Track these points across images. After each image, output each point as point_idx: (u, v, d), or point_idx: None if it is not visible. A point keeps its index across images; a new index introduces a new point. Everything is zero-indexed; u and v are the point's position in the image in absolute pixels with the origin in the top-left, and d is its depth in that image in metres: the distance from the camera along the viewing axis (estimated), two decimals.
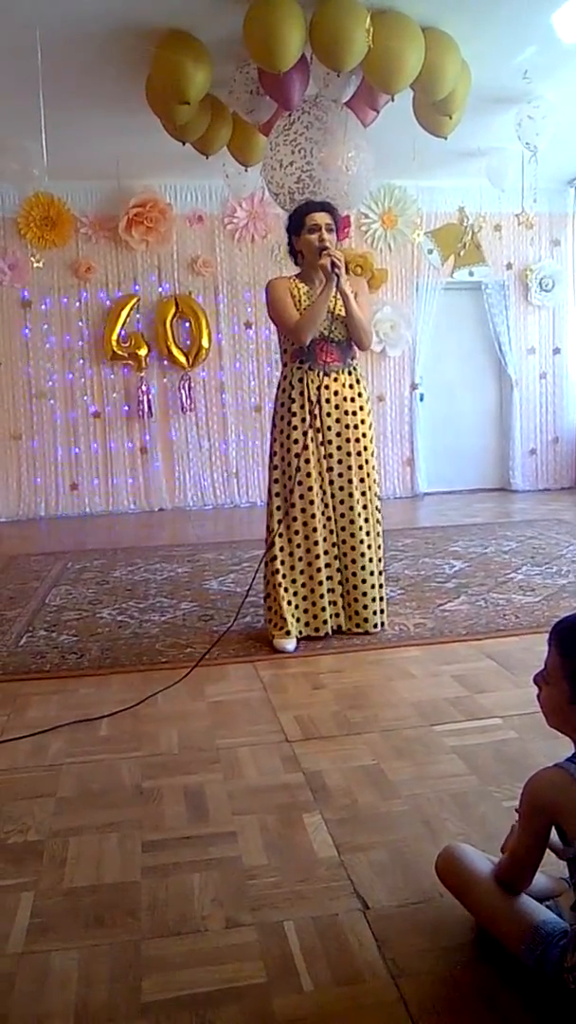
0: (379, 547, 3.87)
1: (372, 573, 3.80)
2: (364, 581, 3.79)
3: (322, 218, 3.66)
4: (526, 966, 1.55)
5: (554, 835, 1.62)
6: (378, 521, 3.86)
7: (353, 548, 3.77)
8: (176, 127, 5.04)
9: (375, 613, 3.81)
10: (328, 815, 2.22)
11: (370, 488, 3.81)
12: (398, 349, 8.53)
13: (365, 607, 3.80)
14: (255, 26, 4.22)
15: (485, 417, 9.06)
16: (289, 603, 3.71)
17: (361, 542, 3.77)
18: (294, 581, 3.73)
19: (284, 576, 3.72)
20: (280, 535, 3.73)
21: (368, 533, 3.80)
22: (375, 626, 3.81)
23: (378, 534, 3.86)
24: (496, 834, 1.86)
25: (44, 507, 8.16)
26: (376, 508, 3.85)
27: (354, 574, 3.79)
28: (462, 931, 1.73)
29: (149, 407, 8.16)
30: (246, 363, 8.25)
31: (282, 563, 3.72)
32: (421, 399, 8.72)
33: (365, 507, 3.79)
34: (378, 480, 3.90)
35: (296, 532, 3.73)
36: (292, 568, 3.73)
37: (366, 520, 3.79)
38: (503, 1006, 1.54)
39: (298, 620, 3.73)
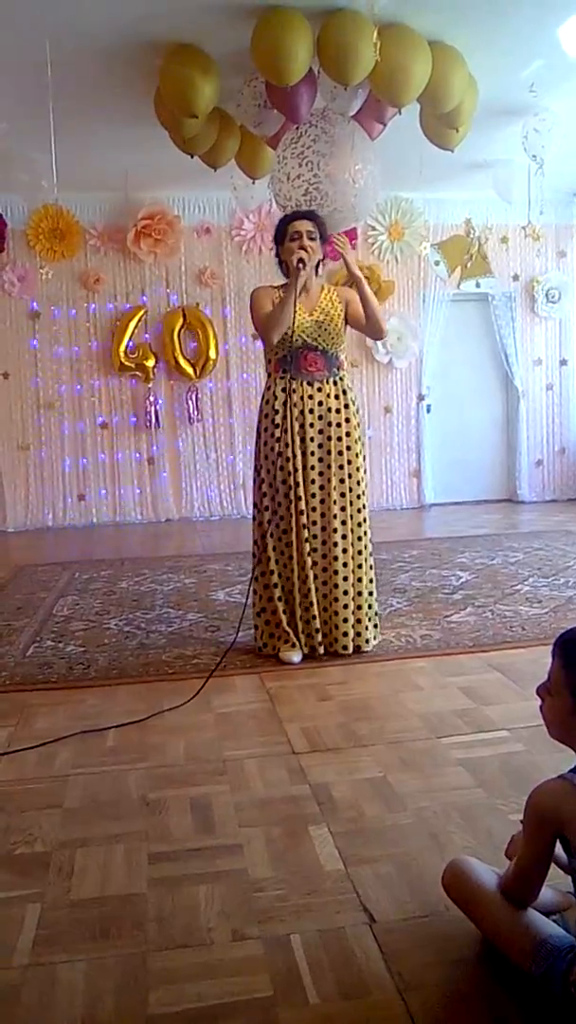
0: (360, 565, 3.71)
1: (347, 593, 3.65)
2: (337, 600, 3.64)
3: (303, 225, 3.65)
4: (533, 980, 1.55)
5: (558, 848, 1.61)
6: (358, 539, 3.70)
7: (327, 567, 3.65)
8: (184, 140, 5.08)
9: (346, 635, 3.65)
10: (334, 828, 2.21)
11: (352, 503, 3.69)
12: (405, 360, 8.55)
13: (337, 627, 3.65)
14: (263, 40, 4.25)
15: (492, 428, 9.06)
16: (285, 612, 3.69)
17: (336, 559, 3.64)
18: (288, 594, 3.69)
19: (279, 587, 3.68)
20: (274, 548, 3.68)
21: (346, 550, 3.66)
22: (345, 648, 3.65)
23: (359, 552, 3.71)
24: (503, 847, 1.86)
25: (52, 517, 8.18)
26: (358, 524, 3.70)
27: (326, 595, 3.67)
28: (469, 945, 1.72)
29: (156, 418, 8.19)
30: (253, 374, 8.26)
31: (279, 576, 3.68)
32: (428, 410, 8.72)
33: (344, 523, 3.66)
34: (365, 493, 3.76)
35: (287, 545, 3.66)
36: (287, 580, 3.67)
37: (344, 537, 3.66)
38: (510, 1020, 1.53)
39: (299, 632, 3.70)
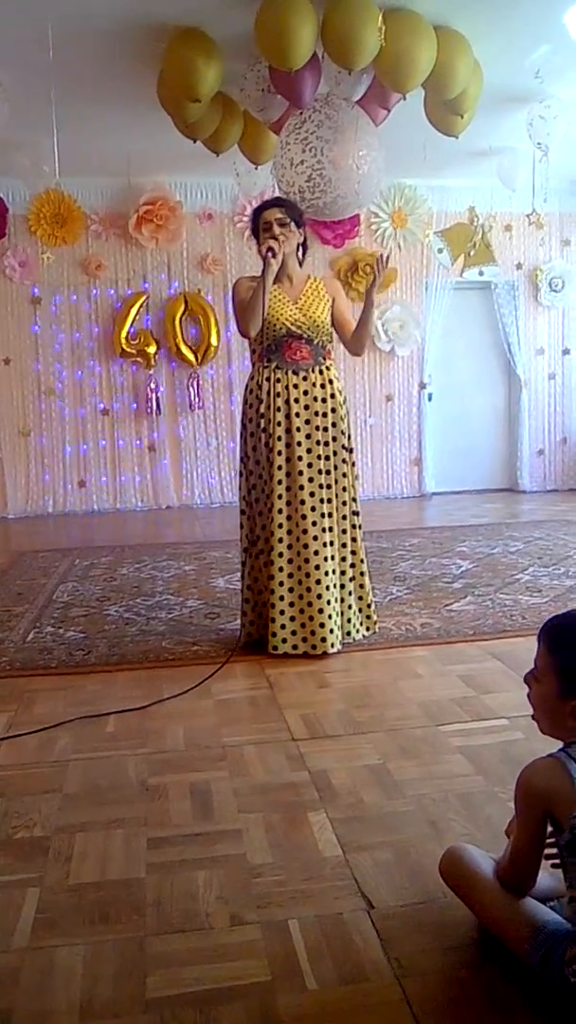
0: (344, 558, 3.62)
1: (329, 588, 3.52)
2: (320, 597, 3.50)
3: (271, 214, 3.58)
4: (530, 966, 1.55)
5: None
6: (343, 531, 3.62)
7: (307, 561, 3.50)
8: (187, 125, 5.05)
9: (332, 632, 3.52)
10: (333, 814, 2.22)
11: (337, 496, 3.60)
12: (407, 348, 8.53)
13: (322, 625, 3.50)
14: (267, 24, 4.22)
15: (493, 417, 9.05)
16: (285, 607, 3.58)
17: (316, 553, 3.50)
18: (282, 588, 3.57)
19: (278, 581, 3.56)
20: (265, 541, 3.58)
21: (330, 544, 3.54)
22: (332, 646, 3.52)
23: (344, 545, 3.62)
24: (502, 835, 1.86)
25: (52, 504, 8.19)
26: (343, 516, 3.61)
27: (308, 589, 3.51)
28: (466, 931, 1.73)
29: (157, 404, 8.18)
30: None
31: (279, 569, 3.55)
32: (429, 399, 8.71)
33: (330, 515, 3.56)
34: (354, 485, 3.67)
35: (265, 540, 3.58)
36: (285, 574, 3.55)
37: (328, 529, 3.54)
38: (507, 1006, 1.54)
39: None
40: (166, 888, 1.90)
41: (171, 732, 2.82)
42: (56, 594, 4.82)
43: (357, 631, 3.72)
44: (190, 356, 8.08)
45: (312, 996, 1.56)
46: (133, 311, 7.98)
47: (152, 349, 8.06)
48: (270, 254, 3.49)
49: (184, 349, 8.06)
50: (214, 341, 8.09)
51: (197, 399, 8.24)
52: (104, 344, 8.09)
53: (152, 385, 8.15)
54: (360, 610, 3.75)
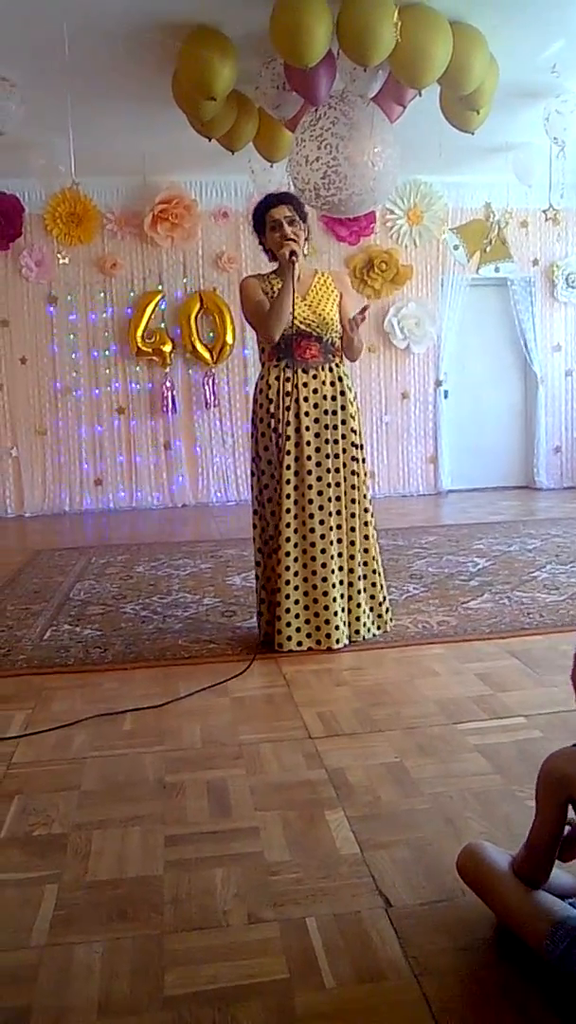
0: (352, 556, 3.61)
1: (335, 585, 3.54)
2: (326, 594, 3.52)
3: (280, 212, 3.55)
4: (549, 963, 1.54)
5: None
6: (352, 529, 3.60)
7: (313, 559, 3.51)
8: (202, 123, 5.05)
9: (338, 628, 3.55)
10: (350, 812, 2.22)
11: (347, 494, 3.57)
12: (423, 346, 8.51)
13: (328, 621, 3.54)
14: (282, 21, 4.21)
15: (510, 414, 9.01)
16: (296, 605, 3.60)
17: (323, 551, 3.51)
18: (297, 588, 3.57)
19: (289, 582, 3.56)
20: (288, 539, 3.55)
21: (337, 541, 3.55)
22: (338, 641, 3.55)
23: (352, 543, 3.60)
24: (520, 833, 1.84)
25: (69, 502, 8.22)
26: (351, 515, 3.59)
27: (315, 587, 3.53)
28: (484, 929, 1.72)
29: (173, 403, 8.19)
30: None
31: (287, 569, 3.56)
32: (446, 396, 8.68)
33: (338, 512, 3.56)
34: (365, 483, 3.65)
35: (274, 538, 3.58)
36: (293, 574, 3.56)
37: (336, 527, 3.55)
38: (526, 1004, 1.53)
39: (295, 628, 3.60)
40: (183, 886, 1.90)
41: (188, 730, 2.83)
42: (73, 592, 4.83)
43: (368, 630, 3.71)
44: (205, 354, 8.08)
45: (330, 994, 1.56)
46: (149, 310, 7.99)
47: (168, 347, 8.07)
48: (294, 258, 3.47)
49: (200, 347, 8.07)
50: (229, 339, 8.10)
51: (213, 397, 8.25)
52: (120, 343, 8.11)
53: (168, 383, 8.16)
54: (372, 609, 3.74)
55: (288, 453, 3.53)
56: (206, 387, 8.22)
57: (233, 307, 8.08)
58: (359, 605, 3.68)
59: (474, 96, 4.80)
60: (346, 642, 3.60)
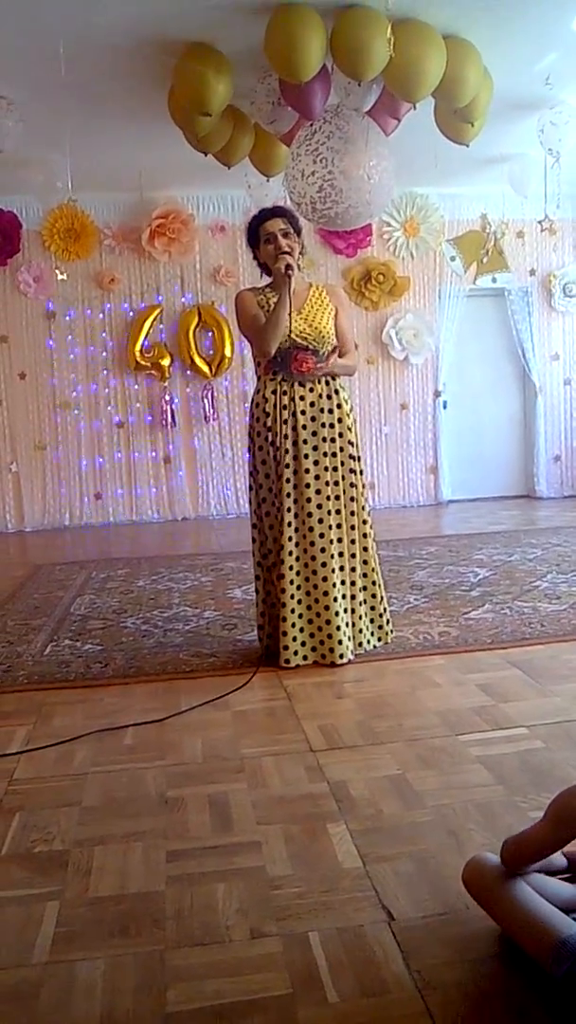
0: (354, 568, 3.60)
1: (337, 599, 3.52)
2: (328, 608, 3.51)
3: (274, 224, 3.55)
4: (554, 979, 1.53)
5: None
6: (352, 541, 3.59)
7: (315, 572, 3.51)
8: (198, 138, 5.08)
9: (341, 643, 3.52)
10: (353, 825, 2.21)
11: (346, 506, 3.57)
12: (421, 357, 8.53)
13: (331, 636, 3.52)
14: (276, 37, 4.25)
15: (509, 424, 9.03)
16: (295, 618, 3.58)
17: (324, 565, 3.49)
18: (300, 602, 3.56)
19: (291, 595, 3.55)
20: (290, 553, 3.54)
21: (339, 554, 3.54)
22: (342, 656, 3.52)
23: (352, 555, 3.59)
24: None
25: (69, 517, 8.22)
26: (351, 527, 3.59)
27: (317, 600, 3.52)
28: (489, 943, 1.71)
29: (172, 417, 8.21)
30: None
31: (289, 582, 3.54)
32: (444, 406, 8.70)
33: (339, 526, 3.54)
34: (363, 494, 3.64)
35: (276, 552, 3.56)
36: (296, 587, 3.55)
37: (337, 540, 3.54)
38: (531, 1019, 1.52)
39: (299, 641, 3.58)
40: (185, 901, 1.90)
41: (189, 744, 2.82)
42: (73, 607, 4.83)
43: (368, 642, 3.70)
44: (204, 368, 8.10)
45: (333, 1009, 1.55)
46: (147, 324, 8.02)
47: (166, 362, 8.09)
48: (289, 271, 3.46)
49: (198, 361, 8.09)
50: (228, 353, 8.12)
51: (212, 411, 8.27)
52: (119, 357, 8.13)
53: (167, 397, 8.18)
54: (372, 620, 3.73)
55: (287, 467, 3.52)
56: (205, 400, 8.24)
57: (231, 320, 8.12)
58: (361, 617, 3.67)
59: (469, 109, 4.83)
60: (351, 656, 3.58)
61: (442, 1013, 1.53)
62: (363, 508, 3.65)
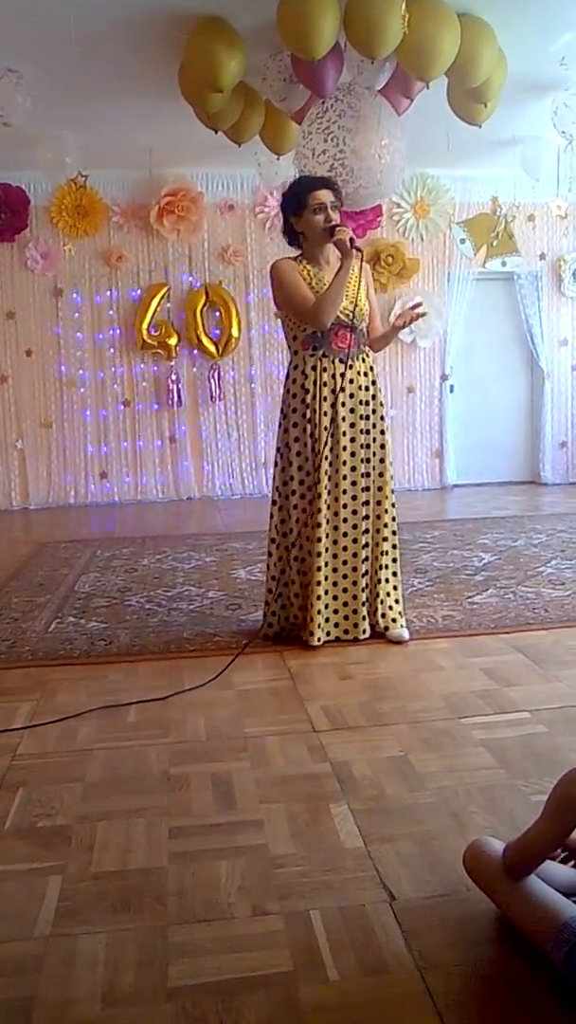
0: (383, 552, 3.62)
1: (362, 576, 3.56)
2: (355, 584, 3.55)
3: (326, 196, 3.41)
4: (554, 961, 1.54)
5: None
6: (385, 525, 3.61)
7: (345, 549, 3.52)
8: (209, 115, 5.04)
9: (364, 619, 3.57)
10: (355, 805, 2.21)
11: (380, 489, 3.58)
12: (429, 340, 8.48)
13: (356, 611, 3.56)
14: (289, 13, 4.20)
15: (516, 409, 8.99)
16: (321, 595, 3.58)
17: (355, 541, 3.52)
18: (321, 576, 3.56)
19: (321, 571, 3.55)
20: (308, 530, 3.54)
21: (365, 532, 3.55)
22: (364, 632, 3.57)
23: (385, 538, 3.62)
24: (523, 828, 1.84)
25: (74, 495, 8.22)
26: (385, 510, 3.60)
27: (345, 576, 3.55)
28: (489, 924, 1.72)
29: (179, 396, 8.19)
30: (275, 352, 8.22)
31: (318, 557, 3.53)
32: (451, 390, 8.67)
33: (366, 503, 3.55)
34: (389, 471, 3.62)
35: (317, 526, 3.51)
36: (324, 562, 3.54)
37: (366, 518, 3.55)
38: (530, 999, 1.53)
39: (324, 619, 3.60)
40: (188, 878, 1.90)
41: (192, 722, 2.83)
42: (78, 585, 4.84)
43: (387, 628, 3.66)
44: (211, 348, 8.08)
45: (334, 987, 1.56)
46: (154, 303, 7.99)
47: (173, 341, 8.06)
48: (354, 246, 3.34)
49: (205, 341, 8.06)
50: (235, 333, 8.09)
51: (218, 391, 8.25)
52: (125, 336, 8.10)
53: (173, 377, 8.16)
54: (397, 600, 3.70)
55: (325, 444, 3.49)
56: (211, 380, 8.21)
57: (239, 300, 8.09)
58: (389, 593, 3.68)
59: (482, 89, 4.78)
60: (369, 632, 3.61)
61: (442, 993, 1.53)
62: (392, 492, 3.65)
